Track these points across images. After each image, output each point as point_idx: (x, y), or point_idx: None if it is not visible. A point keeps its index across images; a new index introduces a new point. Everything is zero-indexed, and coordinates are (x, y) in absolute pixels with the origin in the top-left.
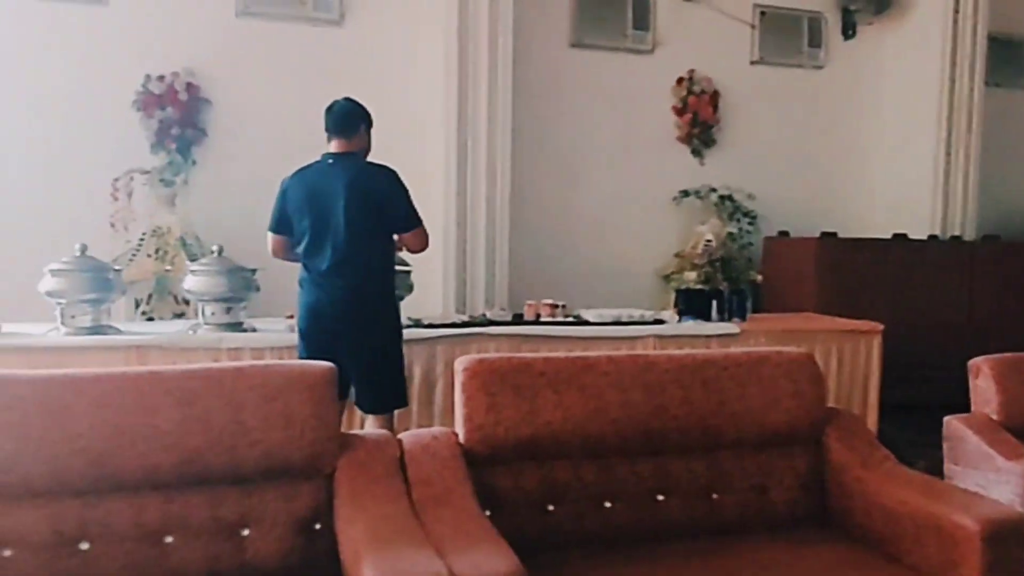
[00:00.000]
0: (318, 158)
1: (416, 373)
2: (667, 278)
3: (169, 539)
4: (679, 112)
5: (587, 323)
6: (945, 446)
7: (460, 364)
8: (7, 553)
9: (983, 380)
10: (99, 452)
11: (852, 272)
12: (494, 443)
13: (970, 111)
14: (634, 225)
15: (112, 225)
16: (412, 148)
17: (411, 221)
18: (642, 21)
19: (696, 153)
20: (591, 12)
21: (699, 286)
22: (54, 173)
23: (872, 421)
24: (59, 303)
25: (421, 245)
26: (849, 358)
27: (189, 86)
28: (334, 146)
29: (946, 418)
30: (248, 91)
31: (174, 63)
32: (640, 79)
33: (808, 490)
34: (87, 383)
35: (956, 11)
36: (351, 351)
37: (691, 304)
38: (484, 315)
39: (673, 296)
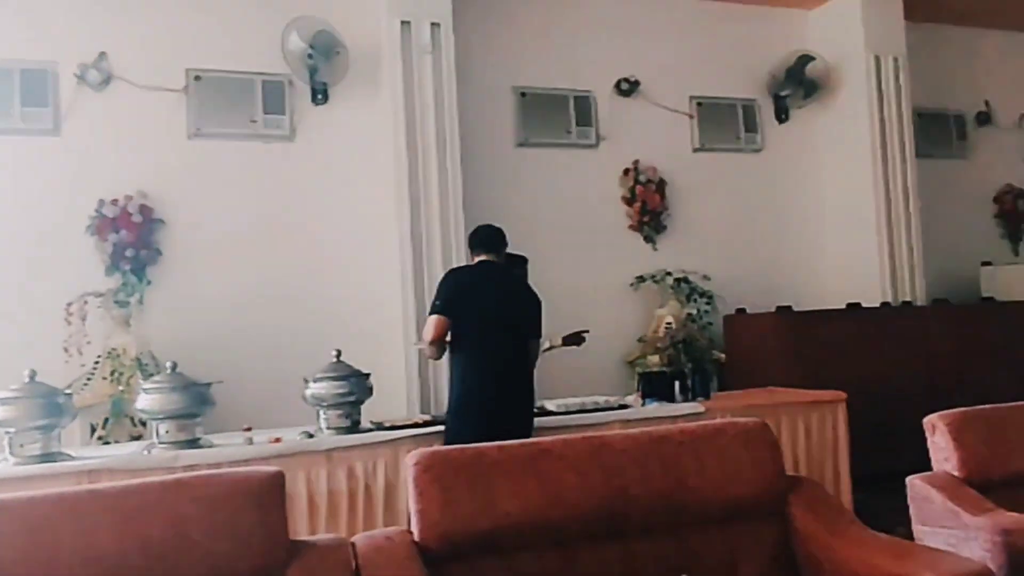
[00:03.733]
0: (475, 260)
1: (379, 479)
2: (632, 363)
3: None
4: (628, 202)
5: (551, 413)
6: (912, 507)
7: (411, 458)
8: None
9: (939, 437)
10: None
11: (810, 344)
12: (451, 539)
13: (905, 182)
14: (595, 314)
15: (65, 350)
16: (367, 255)
17: (539, 332)
18: (585, 117)
19: (648, 240)
20: (534, 113)
21: (662, 368)
22: (6, 302)
23: (845, 491)
24: (8, 432)
25: (536, 355)
26: (816, 429)
27: (143, 208)
28: (484, 257)
29: (909, 479)
30: (202, 209)
31: (128, 187)
32: (588, 172)
33: (778, 562)
34: (20, 508)
35: (880, 90)
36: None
37: (654, 387)
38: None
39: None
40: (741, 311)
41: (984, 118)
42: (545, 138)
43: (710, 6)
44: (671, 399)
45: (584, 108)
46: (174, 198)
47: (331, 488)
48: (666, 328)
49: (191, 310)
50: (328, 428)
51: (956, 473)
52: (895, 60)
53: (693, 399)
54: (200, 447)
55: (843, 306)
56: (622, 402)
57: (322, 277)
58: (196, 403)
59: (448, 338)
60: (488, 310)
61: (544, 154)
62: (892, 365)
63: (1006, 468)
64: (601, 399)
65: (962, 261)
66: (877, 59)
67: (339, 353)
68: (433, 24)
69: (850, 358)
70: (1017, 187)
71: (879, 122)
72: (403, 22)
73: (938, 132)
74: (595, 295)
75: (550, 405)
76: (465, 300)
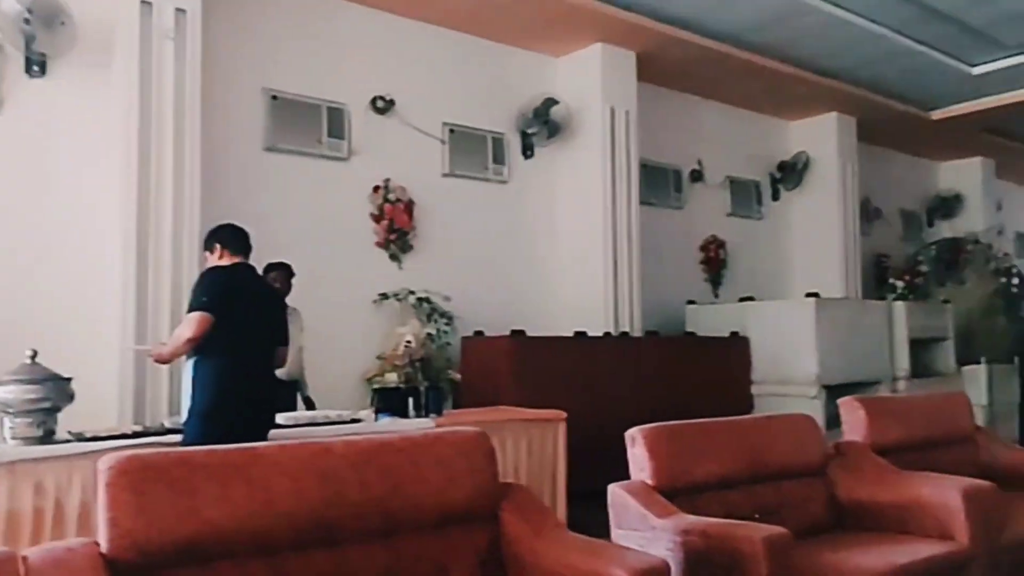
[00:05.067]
0: (227, 262)
1: (74, 497)
2: (370, 381)
3: None
4: (376, 219)
5: (280, 426)
6: (611, 512)
7: (104, 463)
8: None
9: (637, 449)
10: None
11: (541, 367)
12: (146, 549)
13: (629, 226)
14: (336, 329)
15: None
16: (81, 249)
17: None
18: (337, 129)
19: (394, 258)
20: (286, 118)
21: (397, 385)
22: None
23: (561, 503)
24: None
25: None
26: (538, 446)
27: None
28: (239, 259)
29: (609, 486)
30: None
31: None
32: (337, 186)
33: (487, 565)
34: None
35: (612, 140)
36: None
37: (388, 402)
38: (162, 424)
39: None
40: (479, 333)
41: (697, 175)
42: (295, 145)
43: (468, 39)
44: (404, 415)
45: (337, 120)
46: None
47: (12, 507)
48: (406, 346)
49: None
50: (14, 438)
51: (650, 481)
52: (627, 113)
53: (426, 415)
54: None
55: (571, 333)
56: (354, 416)
57: (23, 268)
58: None
59: None
60: (247, 313)
61: (293, 161)
62: (610, 388)
63: (690, 477)
64: (333, 413)
65: (671, 299)
66: (612, 110)
67: (35, 353)
68: (178, 9)
69: (575, 381)
70: (720, 238)
71: (610, 168)
72: (144, 2)
73: (659, 183)
74: (337, 309)
75: (280, 418)
76: (227, 301)
